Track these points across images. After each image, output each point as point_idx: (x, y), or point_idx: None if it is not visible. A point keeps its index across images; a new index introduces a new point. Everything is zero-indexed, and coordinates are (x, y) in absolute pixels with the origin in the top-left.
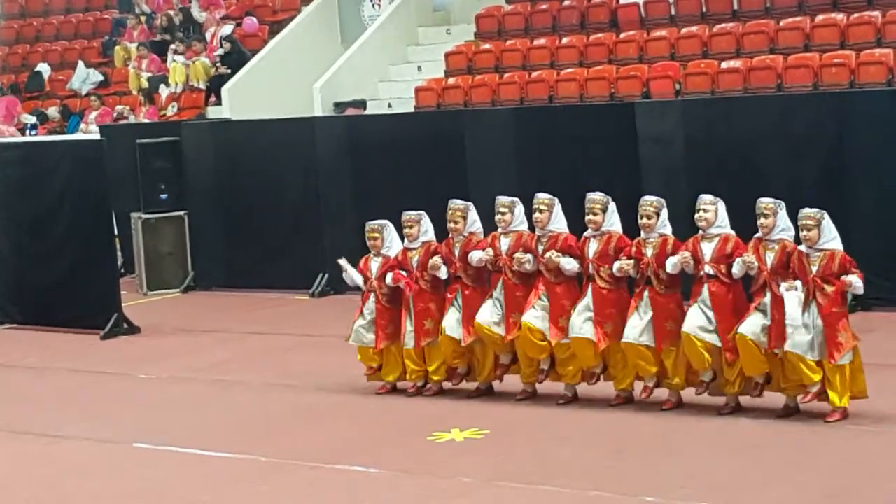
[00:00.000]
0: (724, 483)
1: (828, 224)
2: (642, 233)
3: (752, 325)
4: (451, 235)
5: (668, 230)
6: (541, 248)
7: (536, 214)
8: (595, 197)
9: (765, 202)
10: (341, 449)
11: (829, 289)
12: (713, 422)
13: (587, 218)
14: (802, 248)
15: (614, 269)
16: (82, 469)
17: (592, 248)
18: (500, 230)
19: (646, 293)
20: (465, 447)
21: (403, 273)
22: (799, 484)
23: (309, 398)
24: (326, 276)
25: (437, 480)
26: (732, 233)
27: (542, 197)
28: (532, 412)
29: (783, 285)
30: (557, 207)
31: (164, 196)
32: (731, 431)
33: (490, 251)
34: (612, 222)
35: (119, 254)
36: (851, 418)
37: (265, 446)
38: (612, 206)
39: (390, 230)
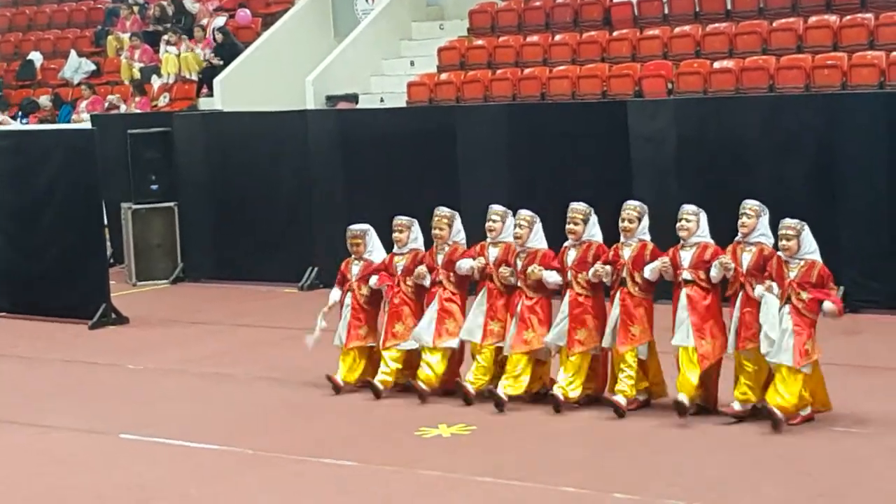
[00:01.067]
0: (712, 482)
1: (808, 236)
2: (622, 236)
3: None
4: (435, 243)
5: (648, 237)
6: (519, 264)
7: (517, 230)
8: (578, 207)
9: (749, 203)
10: (328, 443)
11: (805, 296)
12: (701, 421)
13: (567, 227)
14: (781, 255)
15: (590, 274)
16: (69, 460)
17: (571, 256)
18: (489, 239)
19: (618, 294)
20: (453, 443)
21: (388, 276)
22: (787, 484)
23: (297, 392)
24: (316, 269)
25: (424, 475)
26: (711, 241)
27: (523, 214)
28: (519, 410)
29: (758, 287)
30: (538, 225)
31: (154, 187)
32: (718, 431)
33: (482, 259)
34: (593, 234)
35: (108, 244)
36: (838, 421)
37: (252, 439)
38: (594, 218)
39: (372, 235)
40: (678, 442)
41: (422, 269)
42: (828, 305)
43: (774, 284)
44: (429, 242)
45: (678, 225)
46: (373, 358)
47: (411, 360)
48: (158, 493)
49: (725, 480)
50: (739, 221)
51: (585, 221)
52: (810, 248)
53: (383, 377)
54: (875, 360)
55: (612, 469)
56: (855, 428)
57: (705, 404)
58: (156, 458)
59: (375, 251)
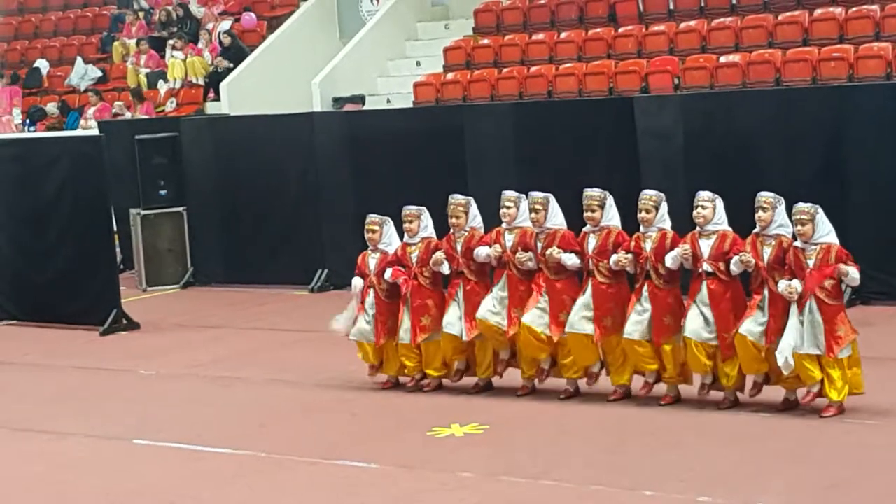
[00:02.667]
0: (723, 476)
1: (822, 218)
2: (641, 227)
3: (751, 325)
4: (452, 231)
5: (668, 224)
6: (539, 245)
7: (532, 214)
8: (593, 193)
9: (764, 196)
10: (341, 444)
11: (828, 283)
12: (712, 415)
13: (585, 214)
14: (798, 243)
15: (611, 263)
16: (83, 466)
17: (591, 243)
18: (504, 225)
19: (645, 287)
20: (465, 442)
21: (402, 269)
22: (797, 476)
23: (309, 394)
24: (326, 271)
25: (437, 475)
26: (730, 230)
27: (536, 196)
28: (532, 407)
29: (781, 283)
30: (553, 204)
31: (162, 192)
32: (730, 424)
33: (497, 247)
34: (611, 217)
35: (118, 250)
36: (849, 412)
37: (265, 442)
38: (611, 200)
39: (390, 226)
40: (689, 436)
41: (439, 254)
42: (851, 270)
43: (797, 281)
44: (441, 231)
45: (695, 212)
46: (398, 351)
47: (440, 352)
48: (172, 497)
49: (736, 473)
50: (756, 215)
51: (602, 206)
52: (825, 230)
53: (415, 370)
54: (885, 352)
55: (623, 465)
56: (865, 419)
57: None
58: (169, 463)
59: (393, 243)
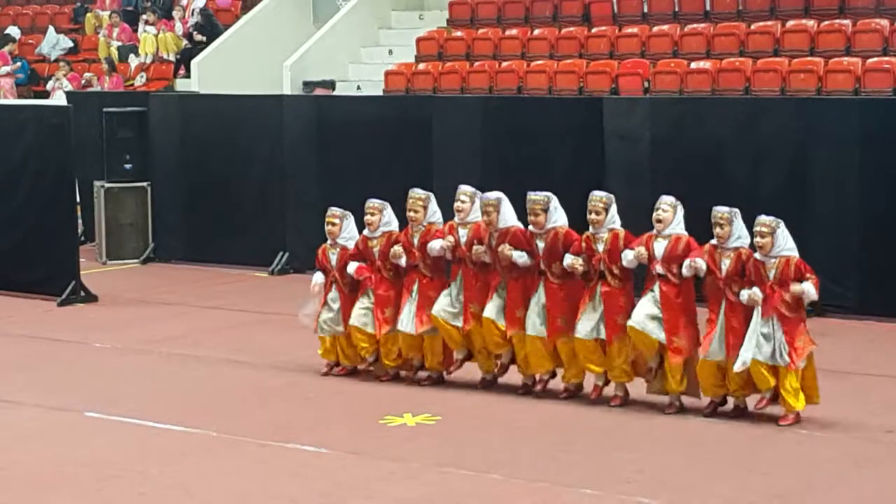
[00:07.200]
0: (671, 479)
1: (783, 232)
2: (591, 228)
3: (714, 347)
4: (410, 225)
5: (618, 224)
6: (493, 242)
7: (484, 217)
8: (536, 198)
9: (720, 212)
10: (292, 428)
11: (787, 294)
12: (663, 419)
13: (529, 219)
14: (757, 255)
15: (565, 265)
16: (32, 436)
17: (540, 245)
18: (457, 220)
19: (598, 288)
20: (417, 432)
21: (367, 266)
22: (745, 484)
23: (263, 376)
24: (287, 254)
25: (386, 463)
26: (685, 234)
27: (488, 199)
28: (485, 401)
29: (744, 292)
30: (504, 204)
31: (128, 166)
32: (681, 429)
33: (451, 239)
34: (556, 219)
35: (80, 221)
36: (801, 423)
37: (216, 421)
38: (555, 203)
39: (350, 221)
40: (641, 438)
41: (397, 248)
42: (807, 287)
43: (756, 289)
44: (404, 223)
45: (654, 215)
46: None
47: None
48: (120, 471)
49: (684, 478)
50: (714, 231)
51: (546, 210)
52: (786, 244)
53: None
54: (839, 365)
55: (572, 463)
56: (816, 431)
57: (691, 395)
58: (119, 437)
59: (352, 238)
